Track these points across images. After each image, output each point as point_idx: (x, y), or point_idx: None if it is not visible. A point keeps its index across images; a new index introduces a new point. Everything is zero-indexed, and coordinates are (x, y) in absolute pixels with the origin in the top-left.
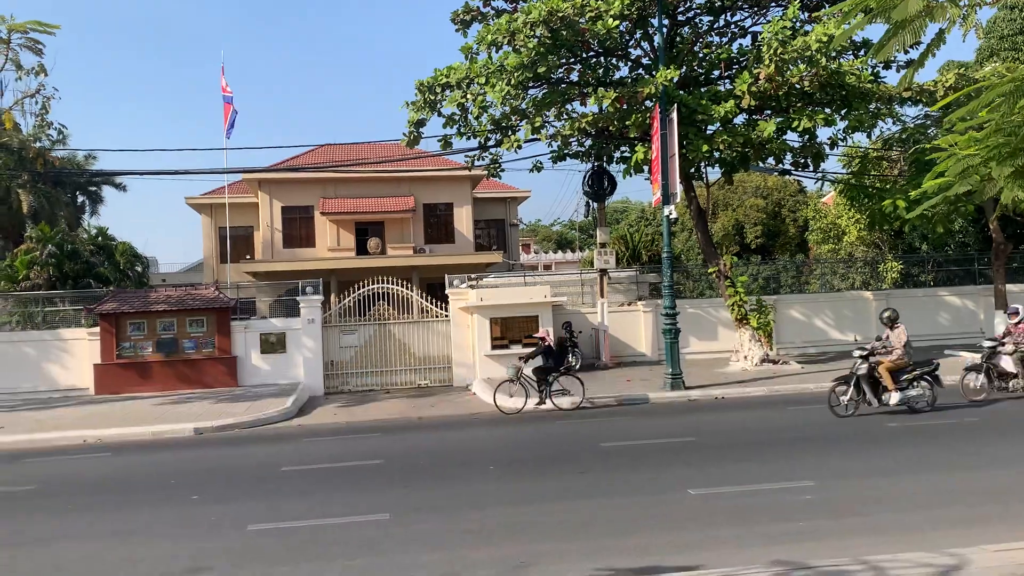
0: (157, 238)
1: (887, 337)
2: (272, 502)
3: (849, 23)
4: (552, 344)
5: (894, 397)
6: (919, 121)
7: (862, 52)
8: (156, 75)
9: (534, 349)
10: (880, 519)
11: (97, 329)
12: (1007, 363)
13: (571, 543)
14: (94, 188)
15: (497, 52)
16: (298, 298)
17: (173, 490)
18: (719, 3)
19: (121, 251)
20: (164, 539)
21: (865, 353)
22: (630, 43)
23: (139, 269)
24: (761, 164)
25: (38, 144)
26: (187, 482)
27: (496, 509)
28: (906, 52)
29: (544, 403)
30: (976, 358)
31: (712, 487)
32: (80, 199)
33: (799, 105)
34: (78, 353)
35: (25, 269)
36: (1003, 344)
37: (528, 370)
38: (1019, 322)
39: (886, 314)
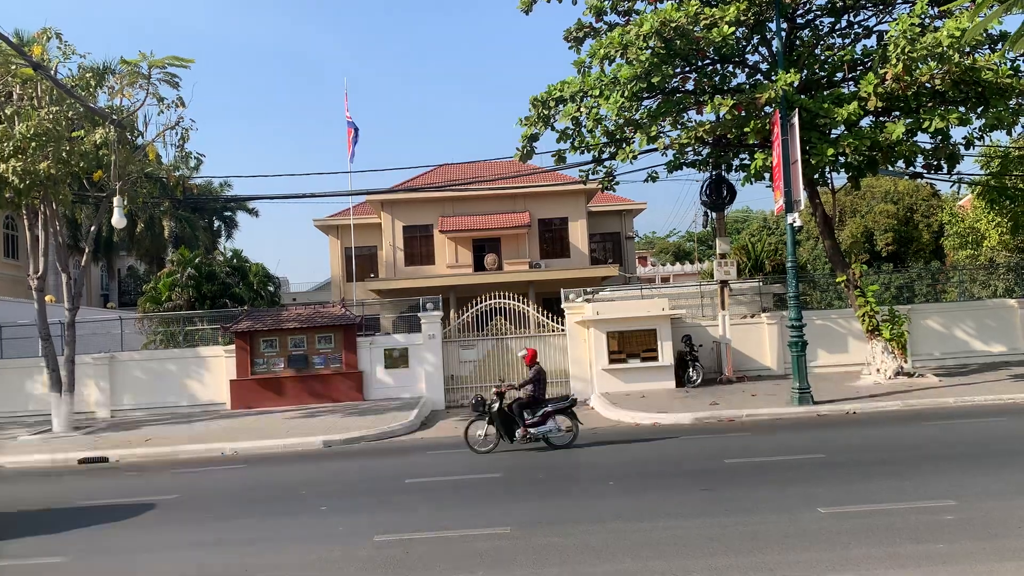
0: (287, 258)
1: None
2: (396, 514)
3: (983, 15)
4: None
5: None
6: None
7: (999, 45)
8: (284, 100)
9: None
10: None
11: (233, 346)
12: None
13: (694, 559)
14: (229, 213)
15: (610, 65)
16: (419, 314)
17: (303, 501)
18: (840, 3)
19: (254, 272)
20: (296, 547)
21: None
22: (747, 49)
23: (271, 289)
24: (890, 168)
25: (178, 173)
26: (316, 493)
27: (616, 524)
28: None
29: None
30: None
31: (843, 505)
32: (216, 224)
33: (930, 105)
34: (215, 369)
35: (167, 291)
36: None
37: None
38: None
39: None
